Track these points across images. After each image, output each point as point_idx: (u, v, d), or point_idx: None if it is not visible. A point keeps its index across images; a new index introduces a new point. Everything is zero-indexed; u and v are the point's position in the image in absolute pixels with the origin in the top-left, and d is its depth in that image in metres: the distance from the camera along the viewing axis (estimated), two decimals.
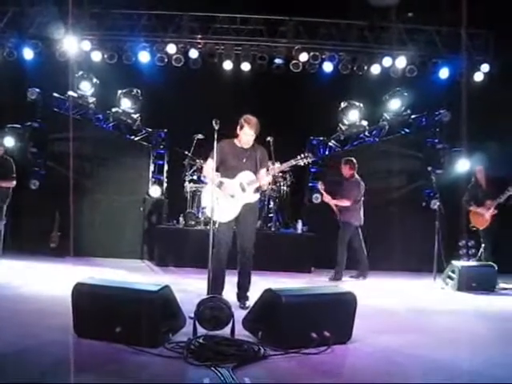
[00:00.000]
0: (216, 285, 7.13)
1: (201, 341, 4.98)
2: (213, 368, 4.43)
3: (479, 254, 11.59)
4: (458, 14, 13.92)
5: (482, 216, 11.21)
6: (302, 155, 7.71)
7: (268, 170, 7.77)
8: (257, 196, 7.75)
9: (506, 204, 11.06)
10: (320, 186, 11.54)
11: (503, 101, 13.33)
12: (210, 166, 7.48)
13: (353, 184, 11.25)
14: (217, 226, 7.41)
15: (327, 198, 11.33)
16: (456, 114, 13.62)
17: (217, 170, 7.50)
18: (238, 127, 7.58)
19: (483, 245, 11.46)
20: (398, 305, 8.58)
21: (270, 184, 7.83)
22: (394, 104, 14.22)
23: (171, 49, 14.32)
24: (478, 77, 14.64)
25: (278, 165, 8.85)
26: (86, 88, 13.87)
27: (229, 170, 7.56)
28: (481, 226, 11.32)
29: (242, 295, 7.53)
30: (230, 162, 7.56)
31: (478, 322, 7.31)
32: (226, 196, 7.41)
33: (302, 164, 7.86)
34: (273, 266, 11.50)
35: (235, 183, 7.51)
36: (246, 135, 7.49)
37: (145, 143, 14.61)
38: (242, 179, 7.54)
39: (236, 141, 7.68)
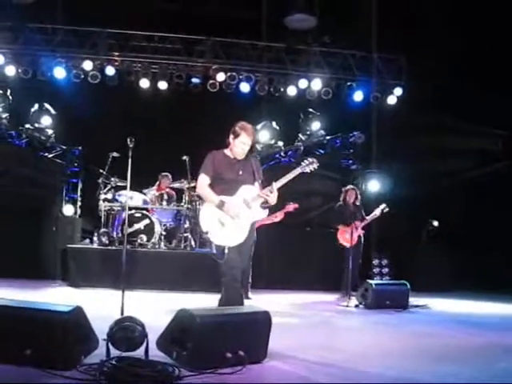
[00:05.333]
0: None
1: (114, 362, 4.86)
2: None
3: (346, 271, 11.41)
4: (373, 39, 14.35)
5: (350, 235, 11.24)
6: (307, 161, 6.97)
7: (266, 183, 6.76)
8: (265, 212, 6.90)
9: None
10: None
11: (415, 124, 13.77)
12: (204, 182, 6.63)
13: None
14: (226, 251, 6.44)
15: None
16: (370, 135, 13.98)
17: (210, 186, 6.62)
18: (231, 136, 6.75)
19: (350, 262, 11.19)
20: (312, 322, 8.64)
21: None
22: (309, 125, 14.48)
23: (87, 65, 14.16)
24: (391, 100, 15.05)
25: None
26: None
27: (226, 185, 6.58)
28: (347, 244, 11.35)
29: None
30: (226, 176, 6.61)
31: (390, 339, 7.43)
32: (230, 217, 6.46)
33: (309, 171, 7.01)
34: (189, 285, 11.45)
35: (238, 200, 6.51)
36: (243, 144, 6.63)
37: (59, 161, 14.35)
38: (245, 195, 6.57)
39: (227, 151, 6.80)
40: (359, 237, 11.58)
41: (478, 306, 11.47)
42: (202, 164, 6.76)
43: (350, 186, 12.29)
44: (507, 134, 15.17)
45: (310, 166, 6.91)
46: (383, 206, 11.39)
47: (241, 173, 6.66)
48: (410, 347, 6.77)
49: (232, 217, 6.44)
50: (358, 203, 11.96)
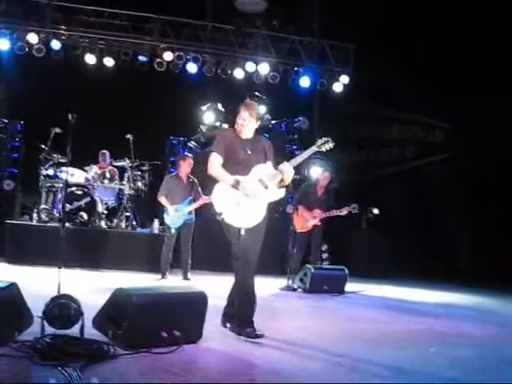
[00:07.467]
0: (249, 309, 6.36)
1: (48, 340, 4.83)
2: (60, 368, 4.32)
3: (292, 256, 11.19)
4: (322, 26, 14.44)
5: (306, 221, 10.81)
6: (321, 140, 6.65)
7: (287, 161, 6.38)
8: (282, 192, 6.45)
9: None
10: None
11: (360, 112, 13.95)
12: (217, 162, 6.18)
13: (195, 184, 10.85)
14: (242, 232, 6.07)
15: None
16: (315, 121, 14.10)
17: (222, 166, 6.20)
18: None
19: (295, 247, 11.08)
20: None
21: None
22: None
23: (33, 38, 13.89)
24: (338, 87, 15.20)
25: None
26: None
27: (238, 165, 6.18)
28: (299, 229, 10.95)
29: (249, 320, 6.26)
30: (238, 155, 6.21)
31: (326, 322, 7.57)
32: (246, 196, 6.05)
33: (324, 150, 6.68)
34: (128, 265, 11.40)
35: (253, 180, 6.13)
36: (239, 119, 6.26)
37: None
38: (260, 174, 6.19)
39: (234, 130, 6.43)
40: (314, 226, 10.85)
41: (413, 293, 11.72)
42: (212, 143, 6.39)
43: (327, 168, 11.68)
44: (450, 127, 15.48)
45: (325, 145, 6.64)
46: (354, 206, 10.80)
47: (250, 152, 6.25)
48: (344, 332, 6.91)
49: (249, 196, 6.05)
50: (330, 188, 11.32)
